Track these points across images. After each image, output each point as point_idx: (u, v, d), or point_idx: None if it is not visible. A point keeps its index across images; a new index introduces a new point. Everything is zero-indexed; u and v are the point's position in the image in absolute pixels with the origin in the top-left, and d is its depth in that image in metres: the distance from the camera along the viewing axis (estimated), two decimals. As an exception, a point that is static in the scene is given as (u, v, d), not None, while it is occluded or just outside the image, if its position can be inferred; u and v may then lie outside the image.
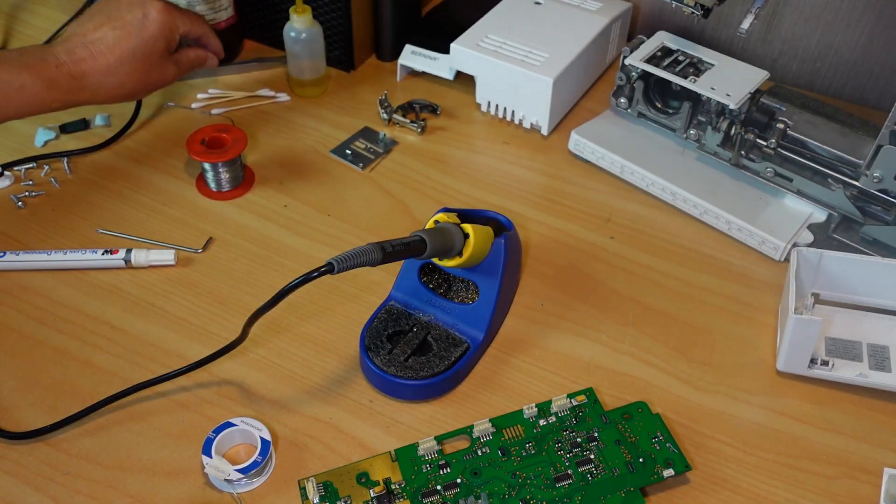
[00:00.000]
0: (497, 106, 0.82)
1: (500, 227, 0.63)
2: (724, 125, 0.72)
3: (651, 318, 0.65)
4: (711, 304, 0.66)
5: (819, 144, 0.70)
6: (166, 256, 0.67)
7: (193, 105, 0.83)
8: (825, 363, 0.59)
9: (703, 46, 0.75)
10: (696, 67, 0.74)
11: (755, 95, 0.71)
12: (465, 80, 0.83)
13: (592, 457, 0.53)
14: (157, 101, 0.83)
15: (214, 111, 0.83)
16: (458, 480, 0.53)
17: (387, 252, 0.52)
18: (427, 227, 0.58)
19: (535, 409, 0.56)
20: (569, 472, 0.53)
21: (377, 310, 0.62)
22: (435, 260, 0.59)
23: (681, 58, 0.74)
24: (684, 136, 0.75)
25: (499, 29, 0.82)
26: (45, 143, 0.78)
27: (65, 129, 0.80)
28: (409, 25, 0.89)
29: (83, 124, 0.80)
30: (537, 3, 0.86)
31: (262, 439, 0.54)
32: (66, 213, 0.72)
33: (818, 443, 0.57)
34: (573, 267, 0.69)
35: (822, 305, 0.64)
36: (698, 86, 0.71)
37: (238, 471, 0.52)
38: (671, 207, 0.74)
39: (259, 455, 0.53)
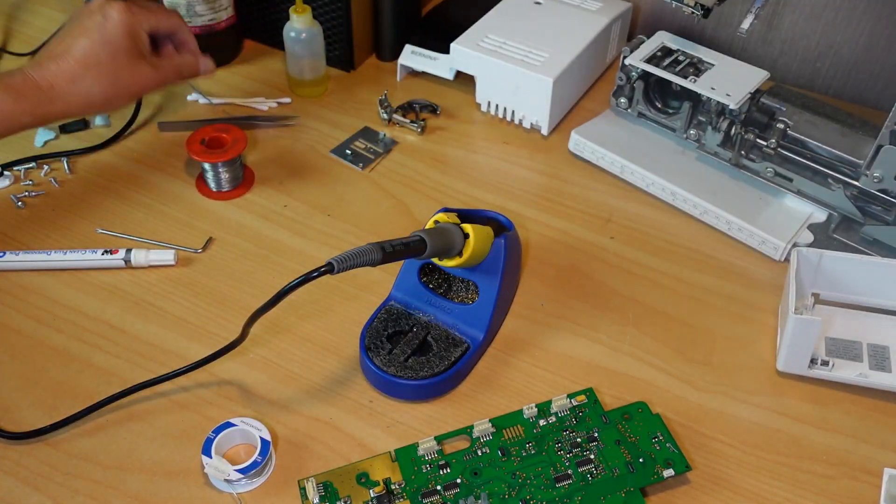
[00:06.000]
0: (497, 106, 0.82)
1: (500, 227, 0.63)
2: (725, 125, 0.72)
3: (651, 318, 0.65)
4: (711, 304, 0.66)
5: (819, 144, 0.70)
6: (166, 256, 0.67)
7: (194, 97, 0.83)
8: (825, 363, 0.59)
9: (703, 46, 0.75)
10: (696, 67, 0.74)
11: (755, 95, 0.71)
12: (465, 80, 0.83)
13: (592, 457, 0.53)
14: (158, 101, 0.83)
15: (216, 101, 0.83)
16: (458, 480, 0.53)
17: (387, 252, 0.52)
18: (427, 227, 0.58)
19: (535, 409, 0.56)
20: (569, 472, 0.53)
21: (377, 310, 0.62)
22: (435, 260, 0.59)
23: (681, 58, 0.74)
24: (684, 136, 0.75)
25: (499, 29, 0.82)
26: (45, 142, 0.78)
27: (65, 128, 0.80)
28: (409, 25, 0.89)
29: (83, 124, 0.80)
30: (537, 3, 0.86)
31: (261, 439, 0.54)
32: (66, 213, 0.72)
33: (818, 443, 0.57)
34: (573, 267, 0.69)
35: (822, 305, 0.64)
36: (698, 86, 0.71)
37: (238, 471, 0.52)
38: (671, 207, 0.74)
39: (259, 455, 0.53)
